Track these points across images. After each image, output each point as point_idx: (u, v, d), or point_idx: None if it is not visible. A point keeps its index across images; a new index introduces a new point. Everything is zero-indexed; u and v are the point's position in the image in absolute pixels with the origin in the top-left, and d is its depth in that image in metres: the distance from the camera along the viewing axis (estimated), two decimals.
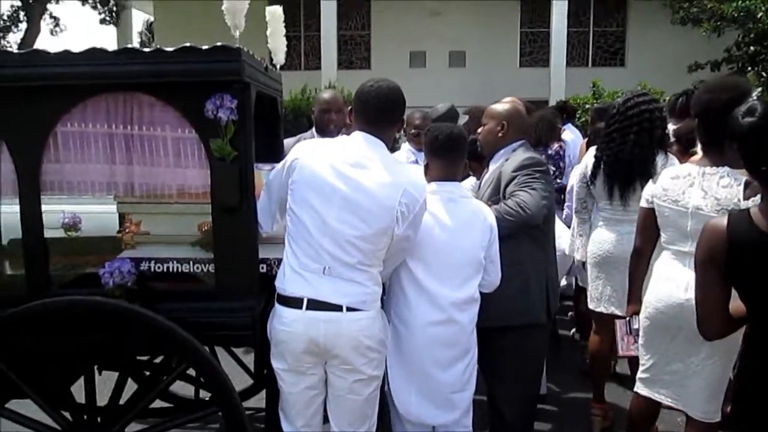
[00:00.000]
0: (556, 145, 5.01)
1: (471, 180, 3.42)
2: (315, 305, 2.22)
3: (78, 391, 2.52)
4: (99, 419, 2.46)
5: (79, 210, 3.20)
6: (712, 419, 2.46)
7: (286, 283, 2.28)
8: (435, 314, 2.47)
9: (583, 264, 3.68)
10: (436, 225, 2.48)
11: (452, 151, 2.60)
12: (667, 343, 2.52)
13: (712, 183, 2.40)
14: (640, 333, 2.65)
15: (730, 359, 2.39)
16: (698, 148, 2.83)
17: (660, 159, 3.22)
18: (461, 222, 2.52)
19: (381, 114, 2.32)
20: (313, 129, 3.85)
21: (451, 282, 2.49)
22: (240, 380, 3.59)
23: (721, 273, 1.81)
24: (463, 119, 4.61)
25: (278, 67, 3.06)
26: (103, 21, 17.15)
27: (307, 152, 2.30)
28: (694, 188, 2.45)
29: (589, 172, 3.44)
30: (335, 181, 2.21)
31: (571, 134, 5.80)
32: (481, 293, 2.61)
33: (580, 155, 4.90)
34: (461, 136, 2.67)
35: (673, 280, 2.49)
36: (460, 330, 2.52)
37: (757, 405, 1.80)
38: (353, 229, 2.20)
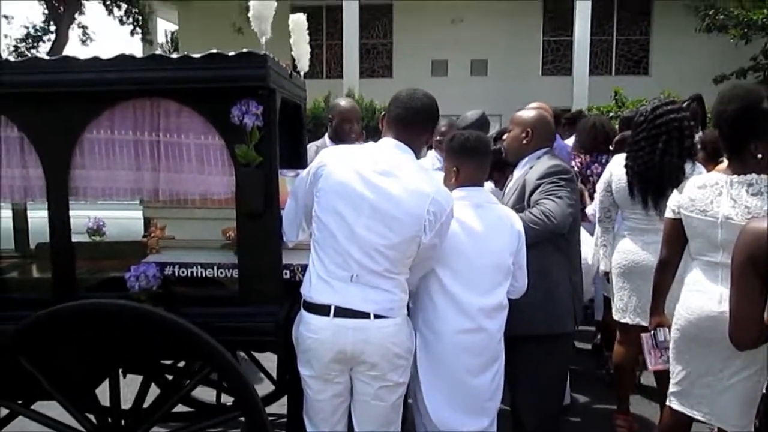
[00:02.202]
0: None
1: (488, 185, 3.40)
2: (342, 312, 2.22)
3: (102, 394, 2.54)
4: (123, 422, 2.48)
5: (106, 215, 3.26)
6: None
7: (313, 290, 2.27)
8: (463, 322, 2.45)
9: (606, 274, 3.64)
10: (463, 231, 2.46)
11: (484, 155, 2.60)
12: (699, 355, 2.47)
13: (741, 191, 2.36)
14: (671, 345, 2.60)
15: (763, 372, 2.33)
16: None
17: (688, 168, 3.19)
18: (489, 227, 2.51)
19: (418, 116, 2.33)
20: (326, 137, 3.84)
21: (479, 288, 2.47)
22: (261, 386, 3.60)
23: (761, 278, 1.76)
24: (493, 127, 4.58)
25: (302, 74, 3.08)
26: (132, 32, 17.45)
27: (333, 159, 2.30)
28: (722, 197, 2.40)
29: (618, 181, 3.40)
30: (363, 190, 2.21)
31: None
32: (508, 301, 2.58)
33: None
34: (489, 141, 2.69)
35: (704, 292, 2.44)
36: (489, 338, 2.49)
37: None
38: (381, 237, 2.20)
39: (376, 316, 2.22)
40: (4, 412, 2.76)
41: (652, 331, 2.77)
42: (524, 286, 2.59)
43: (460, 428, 2.51)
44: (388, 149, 2.30)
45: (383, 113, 2.41)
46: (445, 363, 2.47)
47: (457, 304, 2.45)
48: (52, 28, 17.63)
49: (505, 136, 3.07)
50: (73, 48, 19.51)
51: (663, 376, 3.02)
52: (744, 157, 2.38)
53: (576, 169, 4.52)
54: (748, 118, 2.33)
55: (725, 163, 2.68)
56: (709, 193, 2.44)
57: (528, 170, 2.83)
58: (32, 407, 2.60)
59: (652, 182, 3.24)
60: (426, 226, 2.21)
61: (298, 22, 2.98)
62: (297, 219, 2.43)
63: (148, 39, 17.68)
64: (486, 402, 2.52)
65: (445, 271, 2.44)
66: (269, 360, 3.57)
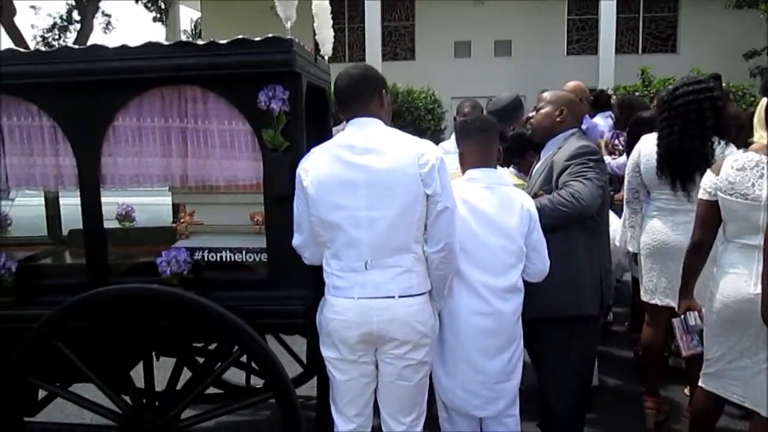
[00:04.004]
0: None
1: (510, 170, 3.38)
2: (367, 295, 2.23)
3: (136, 378, 2.60)
4: (157, 403, 2.53)
5: (136, 202, 3.31)
6: None
7: (331, 289, 2.29)
8: (477, 303, 2.47)
9: (635, 255, 3.60)
10: (473, 212, 2.46)
11: (485, 134, 2.60)
12: (735, 338, 2.44)
13: None
14: (706, 328, 2.57)
15: None
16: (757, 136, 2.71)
17: (718, 149, 3.12)
18: (500, 209, 2.50)
19: (356, 89, 2.29)
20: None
21: (491, 270, 2.47)
22: (290, 369, 3.65)
23: None
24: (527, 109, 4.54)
25: (326, 58, 3.09)
26: (155, 19, 17.60)
27: (311, 162, 2.26)
28: (765, 179, 2.34)
29: (646, 162, 3.35)
30: (353, 175, 2.20)
31: (602, 121, 5.65)
32: (529, 283, 2.58)
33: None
34: (492, 120, 2.70)
35: (741, 275, 2.40)
36: (504, 320, 2.50)
37: None
38: (386, 210, 2.19)
39: (401, 296, 2.23)
40: (43, 394, 2.84)
41: (682, 316, 2.73)
42: (544, 269, 2.56)
43: (476, 412, 2.54)
44: (357, 128, 2.27)
45: (337, 106, 2.40)
46: (460, 345, 2.48)
47: (469, 285, 2.47)
48: (77, 17, 17.84)
49: (531, 115, 3.03)
50: (97, 37, 19.71)
51: (693, 359, 3.00)
52: None
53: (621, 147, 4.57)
54: None
55: (762, 142, 2.60)
56: (749, 176, 2.38)
57: (556, 151, 2.80)
58: (69, 389, 2.67)
59: (679, 166, 3.19)
60: (423, 179, 2.19)
61: (322, 6, 2.98)
62: (314, 243, 2.33)
63: (171, 28, 17.82)
64: (501, 384, 2.52)
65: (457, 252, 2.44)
66: (295, 343, 3.62)
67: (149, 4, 17.56)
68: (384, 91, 2.36)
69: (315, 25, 2.98)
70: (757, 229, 2.34)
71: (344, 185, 2.20)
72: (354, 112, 2.30)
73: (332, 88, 2.39)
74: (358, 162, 2.20)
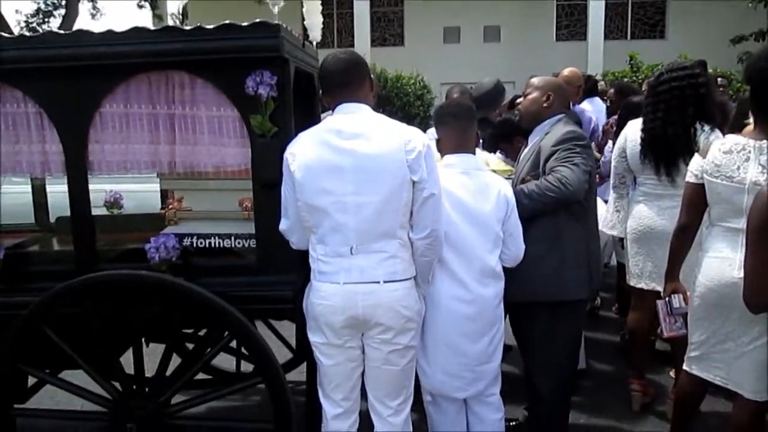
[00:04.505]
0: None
1: (497, 156, 3.39)
2: (352, 280, 2.24)
3: (126, 364, 2.60)
4: (147, 389, 2.54)
5: (124, 189, 3.30)
6: (761, 398, 2.42)
7: (317, 274, 2.29)
8: (458, 290, 2.50)
9: (621, 240, 3.63)
10: (450, 198, 2.47)
11: (460, 119, 2.62)
12: (719, 322, 2.47)
13: None
14: (690, 311, 2.60)
15: None
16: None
17: (703, 134, 3.14)
18: (476, 194, 2.52)
19: (347, 74, 2.28)
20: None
21: (471, 256, 2.50)
22: (279, 354, 3.67)
23: None
24: (509, 95, 4.55)
25: (315, 44, 3.07)
26: (140, 6, 17.41)
27: (299, 147, 2.26)
28: (750, 163, 2.36)
29: (632, 147, 3.37)
30: (340, 160, 2.20)
31: (589, 106, 5.67)
32: (516, 268, 2.61)
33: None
34: (468, 104, 2.70)
35: (725, 259, 2.43)
36: (485, 304, 2.53)
37: None
38: (373, 195, 2.20)
39: (386, 281, 2.24)
40: (33, 380, 2.85)
41: (667, 298, 2.76)
42: (519, 254, 2.60)
43: (457, 394, 2.59)
44: (345, 113, 2.27)
45: (322, 92, 2.38)
46: (442, 330, 2.52)
47: (449, 271, 2.49)
48: (62, 2, 17.62)
49: (519, 101, 3.03)
50: (83, 22, 19.48)
51: (677, 342, 3.04)
52: None
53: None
54: None
55: (750, 127, 2.62)
56: (735, 159, 2.40)
57: (543, 136, 2.81)
58: (59, 376, 2.67)
59: (662, 151, 3.21)
60: (409, 165, 2.20)
61: None
62: (301, 227, 2.33)
63: (157, 14, 17.64)
64: (483, 365, 2.56)
65: None
66: (285, 328, 3.64)
67: None
68: (370, 76, 2.37)
69: (304, 10, 2.96)
70: (741, 212, 2.37)
71: (331, 170, 2.20)
72: (342, 98, 2.29)
73: (319, 75, 2.37)
74: (345, 147, 2.21)
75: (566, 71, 4.72)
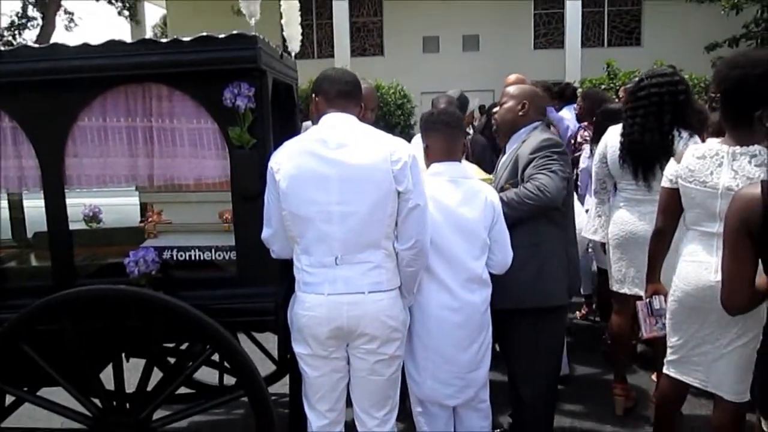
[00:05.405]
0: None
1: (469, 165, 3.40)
2: (337, 291, 2.24)
3: (106, 380, 2.57)
4: (127, 405, 2.51)
5: (103, 203, 3.27)
6: (741, 399, 2.44)
7: (302, 285, 2.29)
8: (446, 298, 2.50)
9: (603, 245, 3.66)
10: (437, 206, 2.48)
11: (448, 127, 2.63)
12: (696, 325, 2.50)
13: (743, 163, 2.34)
14: (668, 315, 2.63)
15: (758, 340, 2.36)
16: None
17: (681, 141, 3.17)
18: (463, 202, 2.53)
19: (356, 88, 2.37)
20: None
21: (458, 263, 2.51)
22: (262, 366, 3.64)
23: (753, 243, 1.79)
24: (472, 105, 4.58)
25: (293, 55, 3.08)
26: (120, 13, 17.32)
27: (284, 156, 2.26)
28: (723, 168, 2.39)
29: (613, 152, 3.41)
30: (326, 169, 2.20)
31: (569, 114, 5.72)
32: (498, 275, 2.62)
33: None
34: (458, 113, 2.71)
35: (701, 263, 2.46)
36: (473, 311, 2.53)
37: None
38: (358, 205, 2.20)
39: (371, 291, 2.24)
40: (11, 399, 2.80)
41: (648, 300, 2.79)
42: (507, 261, 2.60)
43: (448, 401, 2.58)
44: (335, 122, 2.28)
45: (313, 95, 2.41)
46: (431, 338, 2.52)
47: (436, 279, 2.50)
48: (36, 14, 17.46)
49: (495, 110, 3.06)
50: (59, 35, 19.32)
51: (659, 345, 3.06)
52: (754, 126, 2.28)
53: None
54: (762, 84, 2.22)
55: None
56: (708, 164, 2.43)
57: (521, 144, 2.83)
58: (38, 393, 2.63)
59: (639, 157, 3.25)
60: (395, 176, 2.21)
61: (291, 4, 2.97)
62: (285, 236, 2.32)
63: (135, 20, 17.57)
64: (472, 372, 2.57)
65: None
66: (268, 341, 3.61)
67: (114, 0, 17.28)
68: (362, 104, 2.44)
69: (283, 22, 2.97)
70: (714, 216, 2.41)
71: (317, 180, 2.20)
72: (338, 107, 2.32)
73: (320, 78, 2.40)
74: (331, 157, 2.21)
75: (511, 77, 4.61)
